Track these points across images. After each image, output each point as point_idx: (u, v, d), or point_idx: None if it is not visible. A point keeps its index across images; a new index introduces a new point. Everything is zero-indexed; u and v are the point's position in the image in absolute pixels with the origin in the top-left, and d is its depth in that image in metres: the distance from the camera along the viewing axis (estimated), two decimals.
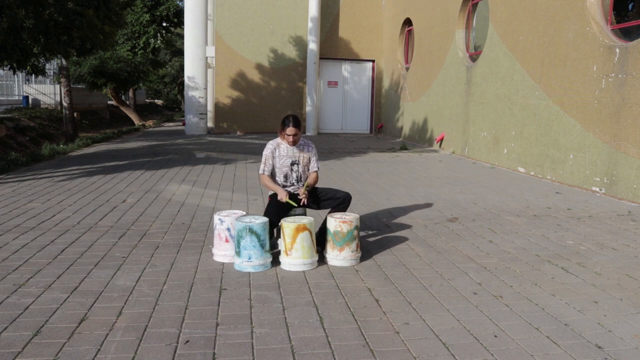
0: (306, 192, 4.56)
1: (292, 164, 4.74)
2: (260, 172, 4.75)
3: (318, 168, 4.86)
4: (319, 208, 4.80)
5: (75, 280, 3.87)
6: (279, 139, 4.78)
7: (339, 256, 4.31)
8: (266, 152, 4.73)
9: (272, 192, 4.79)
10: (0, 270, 4.06)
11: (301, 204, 4.63)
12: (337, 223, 4.30)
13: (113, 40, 12.81)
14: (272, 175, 4.78)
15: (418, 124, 15.38)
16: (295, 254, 4.17)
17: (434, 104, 14.24)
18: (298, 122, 4.63)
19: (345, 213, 4.57)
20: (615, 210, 6.66)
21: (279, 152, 4.73)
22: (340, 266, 4.30)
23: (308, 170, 4.85)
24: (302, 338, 3.02)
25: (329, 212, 4.63)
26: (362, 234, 5.30)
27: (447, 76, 13.34)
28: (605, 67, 7.75)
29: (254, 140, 15.58)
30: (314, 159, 4.84)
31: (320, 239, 4.59)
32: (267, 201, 4.90)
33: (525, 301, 3.64)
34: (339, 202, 4.66)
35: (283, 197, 4.52)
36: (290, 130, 4.59)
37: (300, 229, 4.17)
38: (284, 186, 4.77)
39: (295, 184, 4.79)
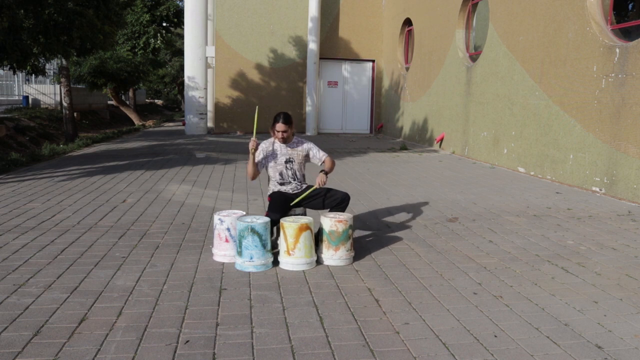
0: (324, 179, 4.55)
1: (287, 161, 4.76)
2: None
3: (326, 154, 4.87)
4: (317, 208, 4.80)
5: (75, 280, 3.87)
6: (272, 139, 4.81)
7: (334, 256, 4.32)
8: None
9: (272, 192, 4.80)
10: (0, 270, 4.06)
11: (309, 191, 4.64)
12: (333, 222, 4.31)
13: (113, 40, 12.83)
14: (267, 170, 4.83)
15: (418, 124, 15.37)
16: (299, 254, 4.17)
17: (434, 104, 14.23)
18: (289, 119, 4.65)
19: (339, 212, 4.58)
20: (615, 210, 6.66)
21: (273, 150, 4.77)
22: (337, 265, 4.30)
23: (304, 167, 4.87)
24: (302, 338, 3.02)
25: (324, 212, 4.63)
26: (362, 234, 5.31)
27: (447, 76, 13.34)
28: (605, 67, 7.75)
29: None
30: (314, 150, 4.85)
31: (315, 239, 4.59)
32: (266, 201, 4.91)
33: (525, 301, 3.64)
34: (338, 202, 4.66)
35: (251, 145, 4.53)
36: (279, 126, 4.62)
37: (303, 228, 4.18)
38: (280, 184, 4.78)
39: (291, 182, 4.79)
